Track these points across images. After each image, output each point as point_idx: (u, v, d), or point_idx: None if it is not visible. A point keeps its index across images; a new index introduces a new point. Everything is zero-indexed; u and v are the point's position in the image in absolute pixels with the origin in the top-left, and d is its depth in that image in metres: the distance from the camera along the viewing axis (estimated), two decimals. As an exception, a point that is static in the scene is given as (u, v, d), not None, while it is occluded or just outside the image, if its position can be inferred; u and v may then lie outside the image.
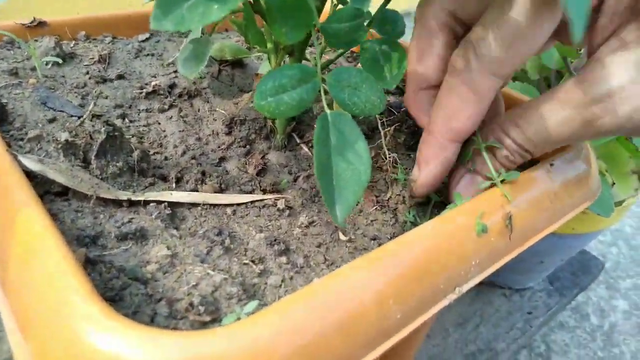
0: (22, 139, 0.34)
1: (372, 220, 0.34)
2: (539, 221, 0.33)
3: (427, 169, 0.33)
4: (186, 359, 0.20)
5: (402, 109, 0.48)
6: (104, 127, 0.32)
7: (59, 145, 0.31)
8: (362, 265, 0.24)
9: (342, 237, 0.32)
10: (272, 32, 0.28)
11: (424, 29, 0.33)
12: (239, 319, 0.23)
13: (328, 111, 0.29)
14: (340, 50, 0.41)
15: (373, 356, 0.24)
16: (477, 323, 0.76)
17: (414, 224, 0.34)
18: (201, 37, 0.41)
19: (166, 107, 0.44)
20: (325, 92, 0.29)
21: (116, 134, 0.32)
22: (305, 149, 0.42)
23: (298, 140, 0.43)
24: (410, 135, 0.44)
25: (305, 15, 0.27)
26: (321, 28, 0.30)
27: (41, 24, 0.46)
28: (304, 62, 0.38)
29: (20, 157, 0.29)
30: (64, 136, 0.31)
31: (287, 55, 0.39)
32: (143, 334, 0.20)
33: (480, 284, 0.81)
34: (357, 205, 0.35)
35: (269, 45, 0.39)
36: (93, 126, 0.36)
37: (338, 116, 0.28)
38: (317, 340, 0.22)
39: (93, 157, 0.31)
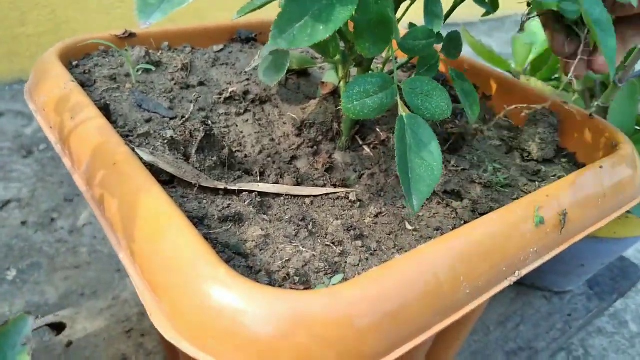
0: (128, 135, 0.39)
1: (434, 214, 0.38)
2: (588, 218, 0.37)
3: None
4: (293, 311, 0.24)
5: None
6: (202, 126, 0.37)
7: (165, 141, 0.36)
8: (438, 246, 0.28)
9: (408, 226, 0.36)
10: (357, 46, 0.32)
11: None
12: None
13: (404, 114, 0.33)
14: (403, 61, 0.45)
15: (444, 325, 0.28)
16: (518, 322, 0.78)
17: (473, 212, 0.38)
18: (278, 50, 0.46)
19: (242, 111, 0.48)
20: (401, 98, 0.33)
21: (212, 132, 0.37)
22: (367, 150, 0.47)
23: (360, 142, 0.47)
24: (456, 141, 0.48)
25: (386, 33, 0.32)
26: (399, 44, 0.34)
27: (131, 35, 0.52)
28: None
29: (137, 150, 0.34)
30: (169, 133, 0.36)
31: (355, 66, 0.43)
32: (260, 290, 0.24)
33: (521, 285, 0.83)
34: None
35: (337, 56, 0.43)
36: (193, 125, 0.41)
37: (412, 119, 0.32)
38: (401, 307, 0.26)
39: (193, 152, 0.36)
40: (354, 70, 0.45)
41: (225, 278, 0.25)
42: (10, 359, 0.21)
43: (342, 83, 0.46)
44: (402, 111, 0.32)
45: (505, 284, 0.30)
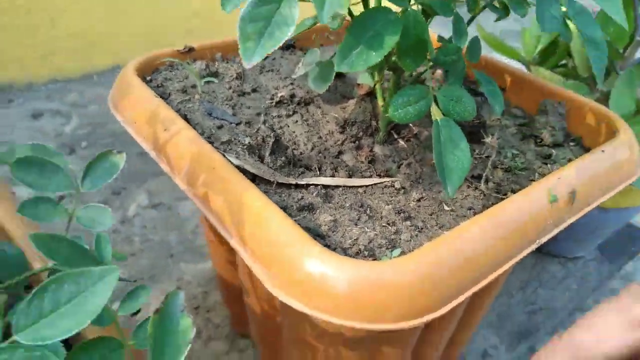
0: (211, 142, 0.47)
1: (465, 196, 0.46)
2: (594, 194, 0.45)
3: None
4: (371, 275, 0.32)
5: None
6: (272, 133, 0.45)
7: (244, 147, 0.45)
8: (475, 223, 0.36)
9: (446, 207, 0.44)
10: (400, 63, 0.40)
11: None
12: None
13: (438, 118, 0.41)
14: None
15: (482, 285, 0.36)
16: (536, 287, 0.87)
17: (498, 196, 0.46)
18: (323, 61, 0.53)
19: (291, 113, 0.56)
20: (435, 102, 0.41)
21: (280, 138, 0.45)
22: (402, 142, 0.54)
23: (396, 136, 0.55)
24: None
25: (423, 51, 0.39)
26: (434, 59, 0.42)
27: (191, 49, 0.59)
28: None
29: (227, 155, 0.42)
30: (247, 140, 0.45)
31: (389, 70, 0.51)
32: (346, 261, 0.33)
33: (539, 252, 0.91)
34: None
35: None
36: (264, 132, 0.49)
37: (445, 122, 0.40)
38: (450, 272, 0.34)
39: (267, 154, 0.45)
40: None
41: (319, 254, 0.33)
42: (176, 321, 0.30)
43: (377, 85, 0.54)
44: (437, 116, 0.40)
45: (529, 250, 0.39)
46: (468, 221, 0.37)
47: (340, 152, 0.52)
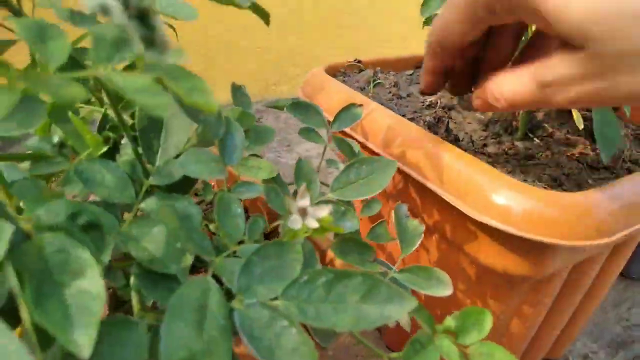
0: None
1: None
2: None
3: None
4: (548, 202, 0.43)
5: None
6: (445, 115, 0.57)
7: (425, 123, 0.57)
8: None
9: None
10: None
11: None
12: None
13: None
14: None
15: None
16: (629, 306, 0.93)
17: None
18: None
19: (439, 114, 0.69)
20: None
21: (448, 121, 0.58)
22: (537, 141, 0.66)
23: (530, 135, 0.66)
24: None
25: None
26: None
27: (359, 62, 0.74)
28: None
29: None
30: (427, 118, 0.57)
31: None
32: (536, 190, 0.44)
33: (629, 278, 0.98)
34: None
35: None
36: (439, 114, 0.61)
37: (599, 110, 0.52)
38: (621, 207, 0.44)
39: (442, 132, 0.57)
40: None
41: (502, 184, 0.44)
42: (405, 223, 0.42)
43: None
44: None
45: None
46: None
47: (484, 145, 0.64)
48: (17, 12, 0.27)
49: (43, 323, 0.18)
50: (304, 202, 0.28)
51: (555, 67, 0.34)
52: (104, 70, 0.20)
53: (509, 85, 0.38)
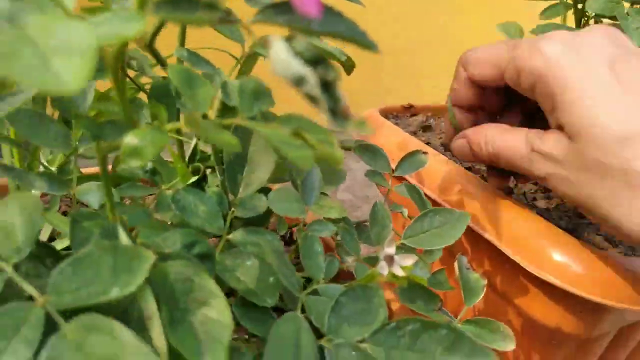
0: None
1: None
2: None
3: None
4: (608, 263, 0.44)
5: None
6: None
7: (467, 167, 0.58)
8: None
9: None
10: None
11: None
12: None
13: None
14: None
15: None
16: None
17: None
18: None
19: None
20: None
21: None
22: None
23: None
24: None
25: None
26: None
27: (411, 107, 0.76)
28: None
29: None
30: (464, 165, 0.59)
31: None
32: (588, 252, 0.44)
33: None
34: None
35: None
36: None
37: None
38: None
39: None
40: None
41: (560, 241, 0.45)
42: (467, 275, 0.43)
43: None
44: None
45: None
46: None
47: (534, 198, 0.65)
48: (163, 63, 0.29)
49: (179, 346, 0.19)
50: (391, 250, 0.29)
51: (549, 141, 0.38)
52: (246, 120, 0.22)
53: (505, 136, 0.42)
